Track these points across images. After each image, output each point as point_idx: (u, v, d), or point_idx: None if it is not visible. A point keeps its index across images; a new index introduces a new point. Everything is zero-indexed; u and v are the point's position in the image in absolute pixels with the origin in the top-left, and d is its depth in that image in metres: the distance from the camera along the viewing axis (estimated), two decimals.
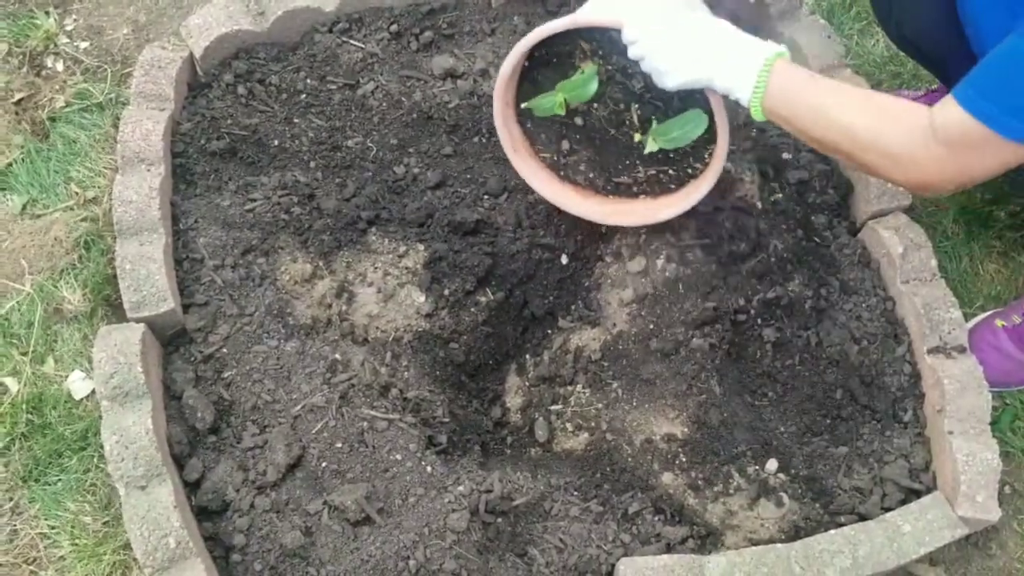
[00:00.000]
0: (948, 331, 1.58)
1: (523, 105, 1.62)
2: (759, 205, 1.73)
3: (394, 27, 1.91)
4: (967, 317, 1.75)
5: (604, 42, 1.49)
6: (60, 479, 1.66)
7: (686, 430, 1.59)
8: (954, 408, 1.53)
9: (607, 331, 1.72)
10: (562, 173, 1.70)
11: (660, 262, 1.71)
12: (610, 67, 1.53)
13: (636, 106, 1.55)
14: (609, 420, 1.65)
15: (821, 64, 1.77)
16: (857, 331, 1.66)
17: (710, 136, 1.50)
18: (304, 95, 1.86)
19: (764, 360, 1.65)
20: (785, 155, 1.77)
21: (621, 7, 1.42)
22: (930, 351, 1.58)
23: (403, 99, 1.84)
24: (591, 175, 1.69)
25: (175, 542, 1.42)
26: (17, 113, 1.98)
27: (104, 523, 1.62)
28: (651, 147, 1.56)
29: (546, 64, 1.58)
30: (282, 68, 1.88)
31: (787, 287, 1.67)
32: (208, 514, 1.52)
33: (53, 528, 1.62)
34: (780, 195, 1.74)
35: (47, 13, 2.11)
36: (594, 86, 1.52)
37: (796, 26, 1.81)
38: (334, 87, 1.87)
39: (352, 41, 1.90)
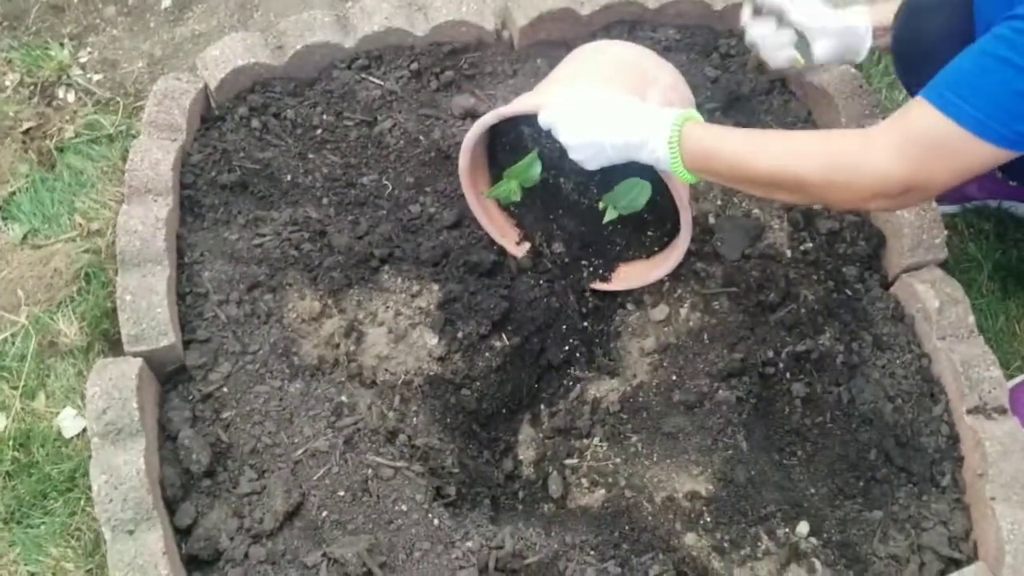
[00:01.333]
0: (988, 390, 1.50)
1: (484, 195, 1.64)
2: (788, 254, 1.66)
3: (414, 65, 1.87)
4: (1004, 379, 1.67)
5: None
6: (44, 522, 1.56)
7: (711, 488, 1.49)
8: (996, 472, 1.44)
9: (627, 382, 1.64)
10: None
11: (684, 311, 1.64)
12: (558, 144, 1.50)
13: (597, 175, 1.55)
14: (628, 476, 1.56)
15: (852, 113, 1.72)
16: (891, 389, 1.58)
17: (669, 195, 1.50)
18: (320, 131, 1.81)
19: (793, 416, 1.56)
20: (815, 204, 1.71)
21: (549, 96, 1.46)
22: (969, 411, 1.50)
23: (421, 137, 1.80)
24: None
25: None
26: (24, 142, 1.94)
27: (87, 571, 1.52)
28: (610, 215, 1.56)
29: (506, 151, 1.62)
30: (298, 103, 1.84)
31: (817, 340, 1.60)
32: (199, 563, 1.42)
33: (33, 575, 1.52)
34: (810, 244, 1.68)
35: (62, 45, 2.09)
36: (538, 168, 1.56)
37: (827, 76, 1.77)
38: (351, 123, 1.82)
39: (371, 78, 1.86)
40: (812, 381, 1.58)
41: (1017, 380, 1.65)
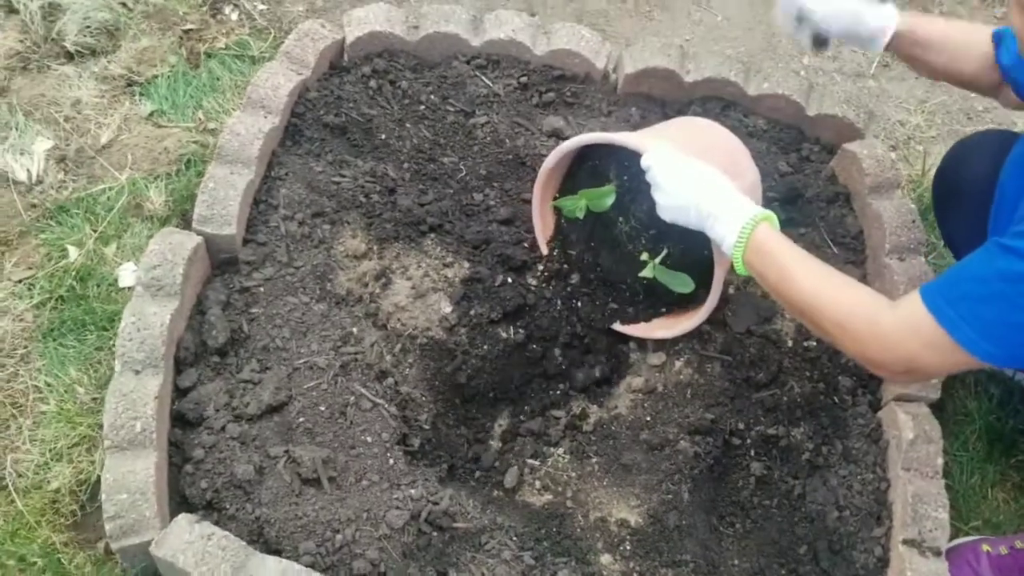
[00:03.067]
0: (929, 529, 1.55)
1: (551, 203, 1.76)
2: (790, 344, 1.75)
3: (524, 79, 2.05)
4: (960, 533, 1.70)
5: (634, 165, 1.59)
6: (74, 346, 1.77)
7: (640, 521, 1.58)
8: None
9: (607, 410, 1.75)
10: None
11: (679, 364, 1.75)
12: (635, 188, 1.63)
13: (653, 230, 1.66)
14: (576, 490, 1.66)
15: (894, 243, 1.80)
16: (844, 499, 1.64)
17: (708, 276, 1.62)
18: (423, 107, 2.01)
19: (743, 491, 1.64)
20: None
21: (656, 140, 1.58)
22: (905, 542, 1.55)
23: (507, 140, 1.97)
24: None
25: (141, 427, 1.50)
26: (181, 39, 2.21)
27: (93, 399, 1.71)
28: (647, 272, 1.66)
29: (585, 172, 1.76)
30: (414, 78, 2.04)
31: (790, 431, 1.67)
32: (183, 423, 1.59)
33: (48, 385, 1.72)
34: (814, 343, 1.76)
35: None
36: (611, 200, 1.66)
37: (886, 203, 1.86)
38: (452, 110, 2.01)
39: (483, 77, 2.05)
40: (772, 466, 1.66)
41: (968, 539, 1.68)
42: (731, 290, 1.81)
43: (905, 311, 1.25)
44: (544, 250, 1.83)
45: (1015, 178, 1.42)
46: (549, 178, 1.78)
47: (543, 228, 1.83)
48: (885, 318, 1.26)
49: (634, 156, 1.56)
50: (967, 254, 1.68)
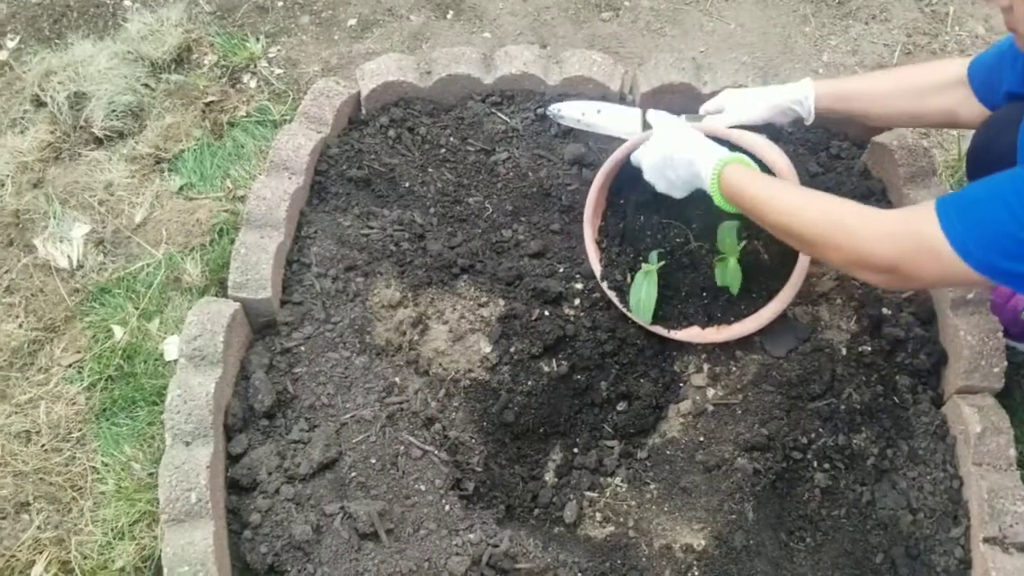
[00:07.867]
0: (1010, 524, 1.48)
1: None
2: (844, 352, 1.70)
3: (540, 110, 2.05)
4: None
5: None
6: (127, 424, 1.79)
7: (705, 544, 1.54)
8: None
9: (659, 435, 1.72)
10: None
11: (726, 384, 1.71)
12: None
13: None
14: (637, 519, 1.63)
15: None
16: (916, 501, 1.58)
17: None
18: (444, 150, 2.01)
19: (810, 504, 1.59)
20: (885, 310, 1.74)
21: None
22: (986, 540, 1.48)
23: (529, 173, 1.96)
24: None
25: (196, 498, 1.51)
26: (204, 111, 2.25)
27: (149, 474, 1.73)
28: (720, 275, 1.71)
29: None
30: (432, 123, 2.05)
31: (851, 438, 1.62)
32: (238, 488, 1.60)
33: (105, 465, 1.75)
34: (868, 348, 1.70)
35: (257, 39, 2.41)
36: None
37: (923, 192, 1.81)
38: (472, 149, 2.01)
39: (500, 114, 2.05)
40: (837, 475, 1.60)
41: None
42: None
43: (907, 213, 1.29)
44: (598, 272, 1.81)
45: None
46: (598, 200, 1.81)
47: (595, 250, 1.83)
48: (874, 219, 1.29)
49: None
50: None
